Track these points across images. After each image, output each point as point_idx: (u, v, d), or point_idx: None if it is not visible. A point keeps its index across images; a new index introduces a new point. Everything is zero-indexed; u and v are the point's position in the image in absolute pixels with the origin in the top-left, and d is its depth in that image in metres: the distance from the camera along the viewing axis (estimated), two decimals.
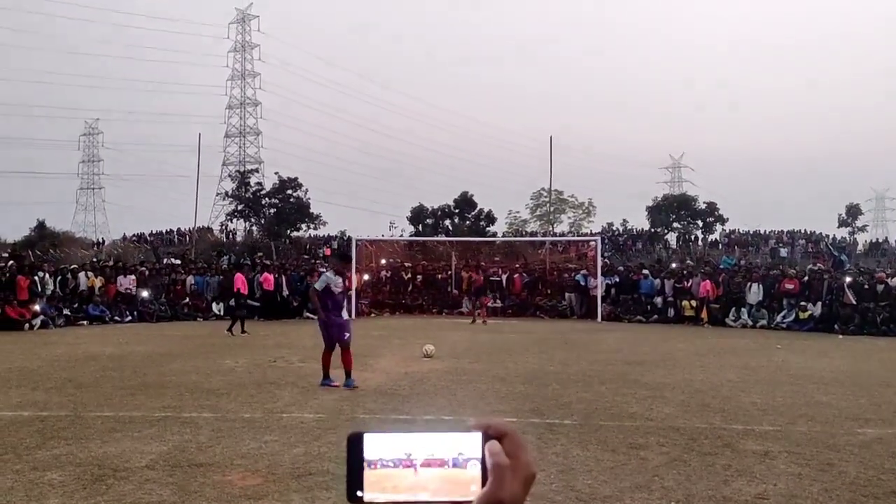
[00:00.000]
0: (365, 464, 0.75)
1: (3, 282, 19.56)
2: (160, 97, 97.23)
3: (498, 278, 26.46)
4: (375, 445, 0.75)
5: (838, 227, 44.92)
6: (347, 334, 9.41)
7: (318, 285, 9.79)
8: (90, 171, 69.51)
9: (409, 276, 27.64)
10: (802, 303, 20.94)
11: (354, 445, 0.75)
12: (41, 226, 39.88)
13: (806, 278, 21.87)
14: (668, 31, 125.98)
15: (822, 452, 6.15)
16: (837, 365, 12.34)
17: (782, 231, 45.81)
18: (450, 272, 27.79)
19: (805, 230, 45.91)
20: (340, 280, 9.58)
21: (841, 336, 18.65)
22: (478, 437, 0.74)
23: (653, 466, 5.71)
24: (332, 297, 9.52)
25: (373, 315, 25.09)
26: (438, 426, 0.99)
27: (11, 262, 21.93)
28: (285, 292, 23.76)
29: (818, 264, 26.48)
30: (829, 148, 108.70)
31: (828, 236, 44.48)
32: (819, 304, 20.81)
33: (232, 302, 19.73)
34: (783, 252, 39.23)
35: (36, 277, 20.32)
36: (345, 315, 9.79)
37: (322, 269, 25.69)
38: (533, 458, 0.75)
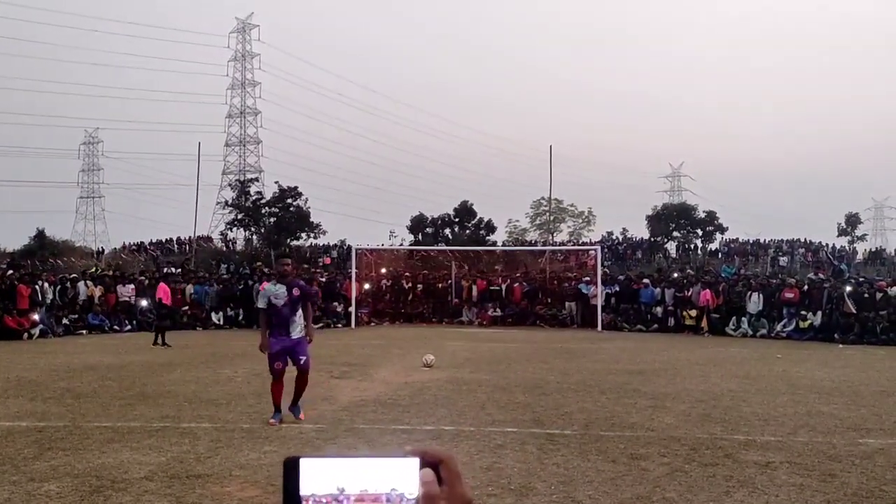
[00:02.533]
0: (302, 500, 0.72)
1: (2, 290, 19.53)
2: (160, 106, 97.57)
3: (498, 287, 26.46)
4: (309, 476, 0.72)
5: (838, 237, 44.93)
6: (304, 357, 7.70)
7: (260, 303, 7.89)
8: (90, 180, 69.56)
9: (410, 285, 27.66)
10: (802, 312, 20.93)
11: (290, 471, 0.72)
12: (41, 235, 39.75)
13: (806, 287, 21.86)
14: (668, 40, 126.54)
15: (823, 463, 6.12)
16: (838, 374, 12.31)
17: (782, 240, 45.85)
18: (450, 281, 27.79)
19: (805, 239, 45.98)
20: (282, 289, 7.67)
21: (841, 345, 18.60)
22: (415, 463, 0.73)
23: (654, 477, 5.68)
24: (276, 313, 7.66)
25: (372, 324, 25.10)
26: (379, 451, 0.96)
27: (11, 271, 21.90)
28: None
29: (818, 273, 26.45)
30: (829, 157, 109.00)
31: (827, 245, 44.57)
32: (819, 313, 20.80)
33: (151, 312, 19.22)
34: (783, 261, 39.25)
35: (35, 286, 20.31)
36: (295, 334, 7.70)
37: (321, 279, 25.83)
38: (468, 487, 0.74)
